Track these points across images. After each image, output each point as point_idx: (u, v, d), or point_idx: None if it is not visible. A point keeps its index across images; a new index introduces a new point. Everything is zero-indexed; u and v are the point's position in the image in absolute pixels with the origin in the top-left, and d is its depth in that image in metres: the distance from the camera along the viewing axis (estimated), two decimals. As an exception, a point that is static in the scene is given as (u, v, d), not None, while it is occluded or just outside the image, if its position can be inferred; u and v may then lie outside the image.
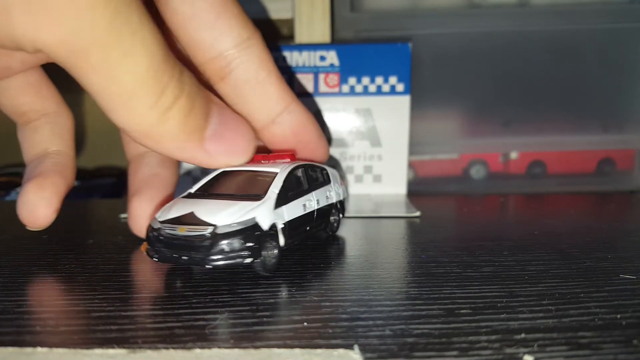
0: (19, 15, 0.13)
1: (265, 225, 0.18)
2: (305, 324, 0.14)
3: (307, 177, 0.21)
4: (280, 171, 0.20)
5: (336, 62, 0.33)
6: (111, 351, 0.13)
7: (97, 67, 0.14)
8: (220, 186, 0.20)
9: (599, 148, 0.39)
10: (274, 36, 0.43)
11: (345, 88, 0.34)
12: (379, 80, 0.34)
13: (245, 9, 0.20)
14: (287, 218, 0.19)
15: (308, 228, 0.21)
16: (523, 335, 0.13)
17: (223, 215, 0.17)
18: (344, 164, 0.35)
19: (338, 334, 0.14)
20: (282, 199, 0.19)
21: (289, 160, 0.21)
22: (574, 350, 0.13)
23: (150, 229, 0.18)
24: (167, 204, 0.19)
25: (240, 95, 0.20)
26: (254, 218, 0.18)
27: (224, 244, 0.17)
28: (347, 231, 0.25)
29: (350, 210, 0.30)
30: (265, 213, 0.18)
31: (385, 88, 0.34)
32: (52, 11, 0.13)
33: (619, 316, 0.15)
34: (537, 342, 0.13)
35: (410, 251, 0.22)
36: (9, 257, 0.21)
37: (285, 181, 0.20)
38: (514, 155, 0.39)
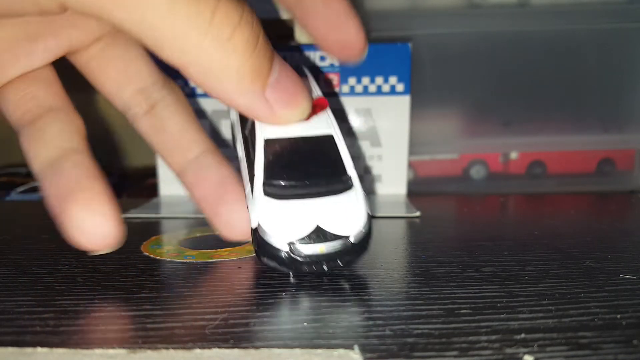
0: None
1: (370, 211, 0.18)
2: (305, 324, 0.14)
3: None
4: (334, 133, 0.19)
5: (336, 62, 0.33)
6: (111, 351, 0.13)
7: (119, 3, 0.13)
8: (289, 168, 0.18)
9: (599, 148, 0.39)
10: (274, 36, 0.43)
11: (345, 88, 0.34)
12: (379, 80, 0.34)
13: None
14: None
15: None
16: (523, 335, 0.13)
17: (349, 224, 0.17)
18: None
19: (338, 334, 0.14)
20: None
21: (323, 104, 0.20)
22: (573, 350, 0.13)
23: (272, 248, 0.17)
24: (257, 209, 0.17)
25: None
26: (367, 212, 0.18)
27: (359, 249, 0.18)
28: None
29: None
30: (367, 202, 0.18)
31: (385, 88, 0.34)
32: None
33: (619, 316, 0.15)
34: (537, 342, 0.13)
35: (410, 251, 0.22)
36: (9, 257, 0.21)
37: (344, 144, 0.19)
38: (514, 155, 0.39)
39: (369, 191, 0.35)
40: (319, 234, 0.17)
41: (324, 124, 0.19)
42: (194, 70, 0.15)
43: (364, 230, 0.18)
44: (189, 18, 0.13)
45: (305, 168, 0.18)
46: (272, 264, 0.17)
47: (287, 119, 0.17)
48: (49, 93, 0.19)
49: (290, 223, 0.17)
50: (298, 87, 0.17)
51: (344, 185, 0.18)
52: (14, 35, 0.17)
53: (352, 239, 0.17)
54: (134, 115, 0.20)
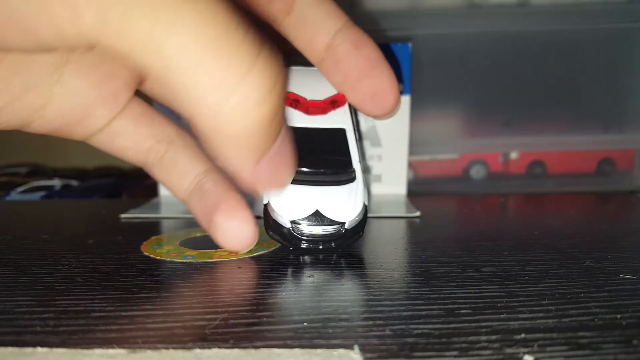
0: (58, 7, 0.12)
1: (367, 201, 0.20)
2: (305, 324, 0.14)
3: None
4: (347, 128, 0.20)
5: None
6: (111, 351, 0.13)
7: (144, 42, 0.12)
8: (301, 156, 0.19)
9: (599, 148, 0.39)
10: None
11: (345, 88, 0.34)
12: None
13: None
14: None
15: None
16: (523, 335, 0.13)
17: (347, 212, 0.20)
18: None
19: (338, 334, 0.14)
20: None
21: (342, 100, 0.21)
22: (573, 350, 0.13)
23: (277, 224, 0.20)
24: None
25: (303, 22, 0.19)
26: (364, 202, 0.20)
27: (351, 234, 0.20)
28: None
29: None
30: (365, 192, 0.21)
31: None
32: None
33: (619, 316, 0.15)
34: (537, 342, 0.13)
35: (410, 251, 0.22)
36: (9, 257, 0.21)
37: (355, 139, 0.20)
38: (514, 155, 0.39)
39: (369, 191, 0.35)
40: (317, 218, 0.19)
41: (339, 119, 0.21)
42: (202, 126, 0.14)
43: (357, 219, 0.20)
44: (218, 73, 0.13)
45: (316, 157, 0.20)
46: (276, 237, 0.20)
47: (258, 193, 0.17)
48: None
49: (294, 205, 0.19)
50: (288, 166, 0.17)
51: (347, 177, 0.20)
52: (94, 82, 0.18)
53: (346, 225, 0.20)
54: (149, 164, 0.21)
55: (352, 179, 0.20)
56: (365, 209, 0.20)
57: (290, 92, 0.21)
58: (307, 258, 0.20)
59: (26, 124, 0.18)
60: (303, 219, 0.19)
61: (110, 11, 0.12)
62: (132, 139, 0.20)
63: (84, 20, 0.12)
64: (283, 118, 0.15)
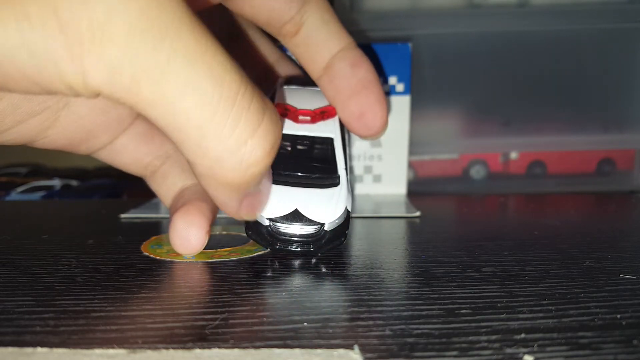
0: (66, 63, 0.12)
1: (350, 208, 0.20)
2: (305, 324, 0.14)
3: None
4: (335, 137, 0.21)
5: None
6: (111, 351, 0.13)
7: (152, 103, 0.13)
8: (287, 159, 0.20)
9: (599, 148, 0.39)
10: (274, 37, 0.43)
11: (345, 88, 0.34)
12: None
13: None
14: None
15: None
16: (523, 335, 0.13)
17: (327, 212, 0.19)
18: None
19: (338, 334, 0.14)
20: (345, 168, 0.21)
21: (331, 112, 0.21)
22: (574, 350, 0.13)
23: (255, 222, 0.20)
24: None
25: (308, 42, 0.20)
26: (346, 207, 0.20)
27: (332, 236, 0.20)
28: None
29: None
30: (350, 199, 0.20)
31: (385, 88, 0.34)
32: (89, 53, 0.12)
33: (619, 316, 0.15)
34: (537, 342, 0.13)
35: (410, 251, 0.22)
36: (9, 257, 0.21)
37: (343, 149, 0.21)
38: (514, 155, 0.39)
39: (369, 191, 0.35)
40: (295, 217, 0.19)
41: (328, 128, 0.21)
42: (199, 172, 0.15)
43: (338, 222, 0.20)
44: (224, 135, 0.13)
45: (301, 161, 0.20)
46: (254, 236, 0.20)
47: (240, 218, 0.18)
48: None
49: (273, 203, 0.19)
50: (267, 195, 0.18)
51: (330, 181, 0.20)
52: (100, 109, 0.19)
53: (326, 227, 0.20)
54: (145, 175, 0.22)
55: (335, 183, 0.20)
56: (348, 215, 0.20)
57: (281, 103, 0.22)
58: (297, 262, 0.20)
59: (31, 142, 0.18)
60: (282, 218, 0.19)
61: (120, 74, 0.12)
62: (132, 156, 0.21)
63: (93, 80, 0.12)
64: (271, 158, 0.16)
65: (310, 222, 0.19)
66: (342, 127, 0.22)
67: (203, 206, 0.20)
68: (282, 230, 0.19)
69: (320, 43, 0.20)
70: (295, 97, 0.22)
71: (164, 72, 0.12)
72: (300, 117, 0.21)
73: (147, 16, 0.12)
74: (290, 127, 0.21)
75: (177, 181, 0.22)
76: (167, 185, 0.22)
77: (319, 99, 0.22)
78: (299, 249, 0.20)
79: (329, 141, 0.21)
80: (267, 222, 0.19)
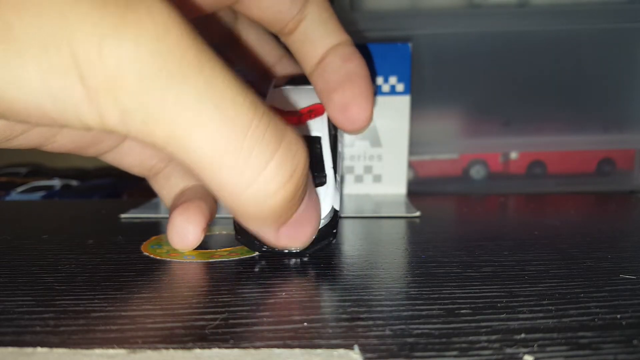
0: (84, 107, 0.13)
1: (338, 207, 0.20)
2: (305, 324, 0.14)
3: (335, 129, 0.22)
4: (323, 136, 0.20)
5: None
6: (111, 351, 0.13)
7: (167, 139, 0.13)
8: None
9: (599, 148, 0.39)
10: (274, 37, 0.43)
11: (345, 88, 0.34)
12: (379, 80, 0.34)
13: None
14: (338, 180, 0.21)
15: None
16: (523, 335, 0.13)
17: None
18: (343, 164, 0.35)
19: (338, 334, 0.14)
20: (334, 168, 0.21)
21: (319, 110, 0.21)
22: (574, 350, 0.13)
23: (242, 227, 0.19)
24: None
25: (305, 39, 0.20)
26: (333, 207, 0.20)
27: (319, 237, 0.19)
28: (347, 231, 0.25)
29: (350, 210, 0.30)
30: (337, 199, 0.20)
31: (385, 88, 0.34)
32: (106, 99, 0.12)
33: (619, 316, 0.15)
34: (537, 342, 0.13)
35: (410, 251, 0.22)
36: (9, 257, 0.21)
37: (331, 149, 0.20)
38: (514, 155, 0.39)
39: (369, 191, 0.35)
40: None
41: (316, 127, 0.21)
42: (224, 203, 0.15)
43: (324, 222, 0.20)
44: (240, 166, 0.13)
45: None
46: (243, 240, 0.20)
47: (284, 247, 0.18)
48: None
49: None
50: (312, 225, 0.18)
51: (317, 180, 0.20)
52: None
53: None
54: (148, 177, 0.23)
55: (321, 182, 0.20)
56: (335, 214, 0.20)
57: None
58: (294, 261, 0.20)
59: (39, 147, 0.19)
60: None
61: (133, 118, 0.13)
62: (138, 158, 0.22)
63: (108, 122, 0.13)
64: (305, 188, 0.16)
65: None
66: (332, 124, 0.22)
67: (202, 205, 0.21)
68: None
69: (316, 39, 0.20)
70: (287, 98, 0.22)
71: (171, 114, 0.13)
72: (287, 119, 0.21)
73: (156, 63, 0.12)
74: None
75: (179, 182, 0.22)
76: (169, 186, 0.23)
77: (310, 97, 0.22)
78: (286, 251, 0.20)
79: (317, 140, 0.20)
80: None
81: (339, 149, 0.23)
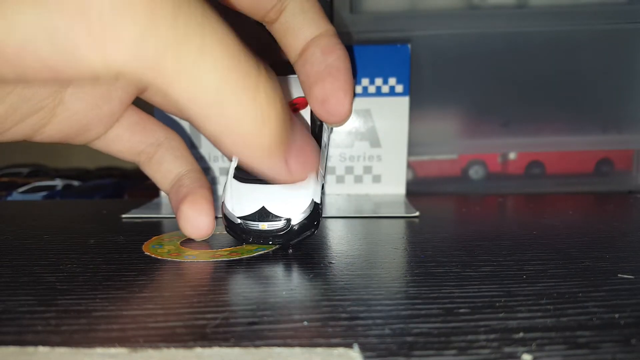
0: (86, 46, 0.12)
1: (318, 199, 0.21)
2: (305, 323, 0.14)
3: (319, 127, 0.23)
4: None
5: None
6: (112, 350, 0.13)
7: (176, 76, 0.13)
8: None
9: (598, 148, 0.39)
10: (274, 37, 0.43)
11: (345, 89, 0.34)
12: (379, 81, 0.34)
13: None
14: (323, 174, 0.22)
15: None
16: (521, 334, 0.14)
17: (292, 208, 0.21)
18: (343, 165, 0.35)
19: (338, 333, 0.14)
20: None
21: (302, 104, 0.22)
22: (572, 349, 0.13)
23: (229, 221, 0.22)
24: (227, 189, 0.22)
25: (287, 28, 0.21)
26: (313, 199, 0.21)
27: (300, 229, 0.21)
28: (347, 231, 0.25)
29: (350, 210, 0.30)
30: (318, 191, 0.21)
31: (385, 89, 0.34)
32: (112, 33, 0.12)
33: (617, 315, 0.15)
34: (536, 341, 0.13)
35: (409, 251, 0.22)
36: (11, 257, 0.21)
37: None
38: (512, 155, 0.39)
39: (368, 191, 0.35)
40: (263, 214, 0.21)
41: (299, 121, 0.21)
42: (230, 141, 0.15)
43: (304, 215, 0.21)
44: (235, 97, 0.14)
45: None
46: (232, 233, 0.22)
47: (301, 179, 0.18)
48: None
49: (243, 203, 0.21)
50: (314, 152, 0.18)
51: None
52: (92, 104, 0.20)
53: (292, 221, 0.21)
54: (140, 162, 0.24)
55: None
56: (316, 206, 0.21)
57: None
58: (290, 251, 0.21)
59: (29, 138, 0.20)
60: (250, 216, 0.21)
61: (144, 50, 0.12)
62: (126, 145, 0.22)
63: (115, 61, 0.12)
64: (289, 114, 0.16)
65: (277, 218, 0.21)
66: (316, 118, 0.22)
67: (205, 193, 0.22)
68: (252, 228, 0.21)
69: (297, 30, 0.21)
70: None
71: (182, 45, 0.12)
72: None
73: None
74: None
75: (171, 168, 0.23)
76: (162, 172, 0.23)
77: (295, 89, 0.22)
78: (270, 243, 0.21)
79: None
80: (238, 221, 0.21)
81: (324, 140, 0.23)
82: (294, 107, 0.22)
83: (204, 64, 0.13)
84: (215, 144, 0.15)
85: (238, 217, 0.21)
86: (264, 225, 0.21)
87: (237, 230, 0.21)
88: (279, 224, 0.21)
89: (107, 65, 0.12)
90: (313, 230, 0.21)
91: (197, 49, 0.13)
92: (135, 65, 0.12)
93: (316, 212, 0.21)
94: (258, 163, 0.16)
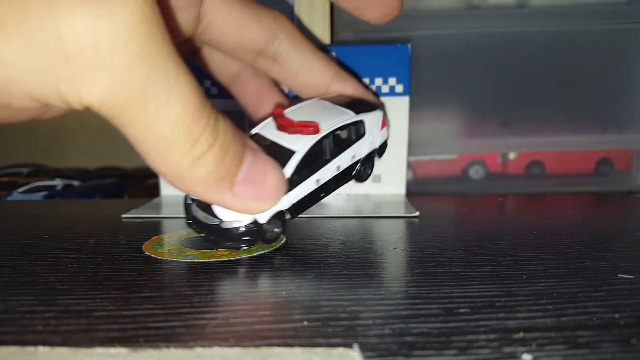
0: (66, 85, 0.14)
1: (263, 220, 0.20)
2: (305, 323, 0.14)
3: (333, 142, 0.22)
4: (298, 151, 0.21)
5: (336, 62, 0.34)
6: (113, 350, 0.13)
7: (136, 121, 0.15)
8: None
9: (598, 148, 0.39)
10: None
11: (345, 89, 0.34)
12: (379, 81, 0.34)
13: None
14: (294, 200, 0.21)
15: (322, 194, 0.23)
16: (521, 334, 0.14)
17: (230, 213, 0.20)
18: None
19: (338, 333, 0.14)
20: (292, 184, 0.21)
21: (312, 130, 0.21)
22: (572, 349, 0.13)
23: (186, 196, 0.22)
24: None
25: (291, 70, 0.23)
26: (256, 219, 0.20)
27: (230, 236, 0.20)
28: (347, 231, 0.25)
29: (350, 210, 0.30)
30: (284, 203, 0.20)
31: (385, 89, 0.34)
32: (89, 81, 0.14)
33: (617, 315, 0.15)
34: (536, 341, 0.13)
35: (409, 251, 0.22)
36: (11, 257, 0.21)
37: (299, 163, 0.21)
38: (512, 155, 0.39)
39: (368, 191, 0.35)
40: (206, 206, 0.20)
41: (300, 142, 0.21)
42: (169, 179, 0.17)
43: (237, 224, 0.20)
44: (173, 140, 0.15)
45: None
46: (193, 226, 0.21)
47: (256, 209, 0.19)
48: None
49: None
50: (269, 179, 0.19)
51: None
52: None
53: (221, 225, 0.20)
54: None
55: None
56: (259, 226, 0.20)
57: (279, 109, 0.23)
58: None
59: (34, 119, 0.20)
60: (197, 201, 0.21)
61: (115, 97, 0.14)
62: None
63: (88, 100, 0.14)
64: (239, 145, 0.18)
65: (213, 215, 0.20)
66: (322, 148, 0.22)
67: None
68: (192, 213, 0.21)
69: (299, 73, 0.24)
70: (303, 109, 0.23)
71: (149, 100, 0.14)
72: (279, 125, 0.22)
73: (143, 48, 0.14)
74: (269, 131, 0.22)
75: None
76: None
77: (318, 115, 0.22)
78: (203, 234, 0.21)
79: (290, 153, 0.21)
80: (189, 200, 0.22)
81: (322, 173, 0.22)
82: (302, 128, 0.21)
83: (164, 117, 0.15)
84: (160, 175, 0.17)
85: (190, 197, 0.22)
86: (200, 215, 0.21)
87: (186, 207, 0.22)
88: (212, 221, 0.20)
89: (81, 103, 0.14)
90: (244, 246, 0.21)
91: (161, 104, 0.14)
92: (102, 106, 0.14)
93: (257, 230, 0.20)
94: (203, 197, 0.18)
